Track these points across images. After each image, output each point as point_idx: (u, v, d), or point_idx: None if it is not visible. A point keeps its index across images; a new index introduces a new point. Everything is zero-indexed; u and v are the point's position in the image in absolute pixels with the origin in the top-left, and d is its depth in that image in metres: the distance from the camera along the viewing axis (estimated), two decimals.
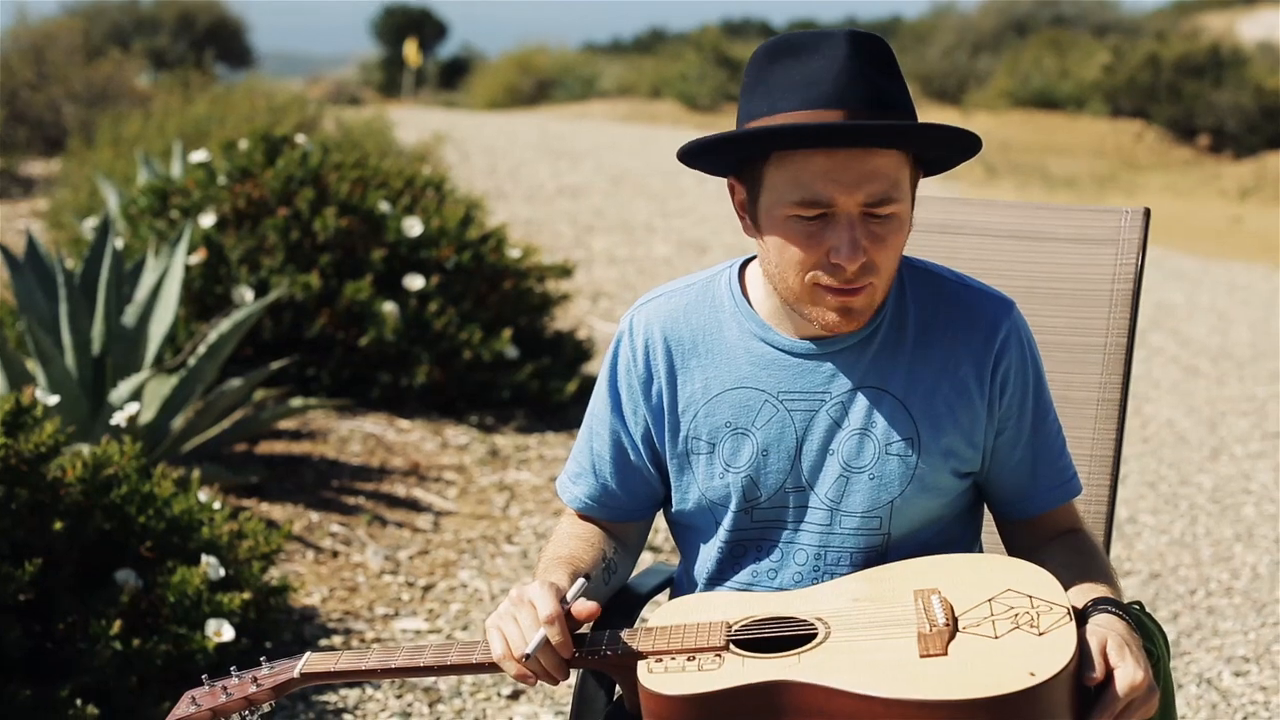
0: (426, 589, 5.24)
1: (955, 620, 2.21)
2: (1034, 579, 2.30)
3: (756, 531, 2.50)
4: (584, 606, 2.29)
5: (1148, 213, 3.11)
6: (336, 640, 4.76)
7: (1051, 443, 2.54)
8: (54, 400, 4.27)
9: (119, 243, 6.81)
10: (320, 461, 6.30)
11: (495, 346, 7.04)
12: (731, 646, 2.23)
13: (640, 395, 2.55)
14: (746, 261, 2.55)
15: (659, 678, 2.20)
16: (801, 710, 2.14)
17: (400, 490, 6.11)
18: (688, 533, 2.60)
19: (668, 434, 2.53)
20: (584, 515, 2.65)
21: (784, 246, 2.33)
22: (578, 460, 2.65)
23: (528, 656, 2.23)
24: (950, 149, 2.37)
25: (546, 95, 36.72)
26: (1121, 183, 20.64)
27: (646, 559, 5.00)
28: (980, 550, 2.67)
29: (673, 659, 2.23)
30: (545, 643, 2.25)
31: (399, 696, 4.42)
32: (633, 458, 2.58)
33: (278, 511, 5.64)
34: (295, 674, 2.40)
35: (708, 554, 2.55)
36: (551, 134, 23.91)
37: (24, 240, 5.66)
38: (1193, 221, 16.99)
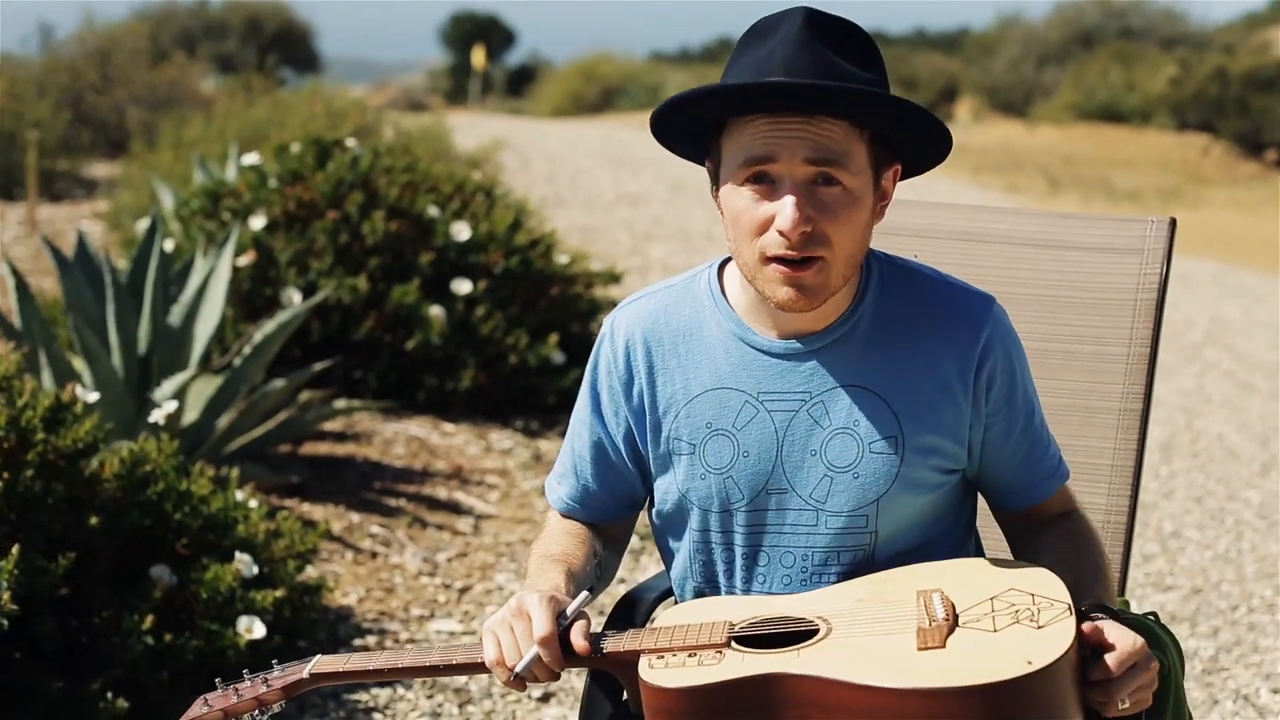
0: (463, 591, 5.27)
1: (956, 616, 2.22)
2: (1037, 578, 2.31)
3: (741, 534, 2.49)
4: (580, 642, 2.31)
5: (1173, 223, 3.10)
6: (371, 640, 4.79)
7: (1040, 434, 2.55)
8: (94, 397, 4.33)
9: (169, 244, 6.88)
10: (363, 463, 6.34)
11: (541, 351, 7.07)
12: (733, 644, 2.24)
13: (621, 396, 2.56)
14: (726, 260, 2.55)
15: (659, 672, 2.21)
16: (800, 702, 2.15)
17: (442, 493, 6.14)
18: (670, 534, 2.60)
19: (649, 434, 2.54)
20: (567, 515, 2.67)
21: (737, 217, 2.35)
22: (562, 461, 2.67)
23: (516, 675, 2.27)
24: (900, 128, 2.36)
25: (611, 103, 36.81)
26: (1186, 197, 20.49)
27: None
28: (976, 543, 2.68)
29: (674, 655, 2.24)
30: (536, 659, 2.27)
31: (429, 697, 4.44)
32: (613, 458, 2.59)
33: (319, 512, 5.68)
34: (304, 674, 2.43)
35: (692, 556, 2.56)
36: (613, 142, 23.96)
37: (75, 240, 5.72)
38: (1257, 236, 16.86)
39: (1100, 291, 3.07)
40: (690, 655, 2.23)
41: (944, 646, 2.16)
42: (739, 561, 2.50)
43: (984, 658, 2.12)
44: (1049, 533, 2.53)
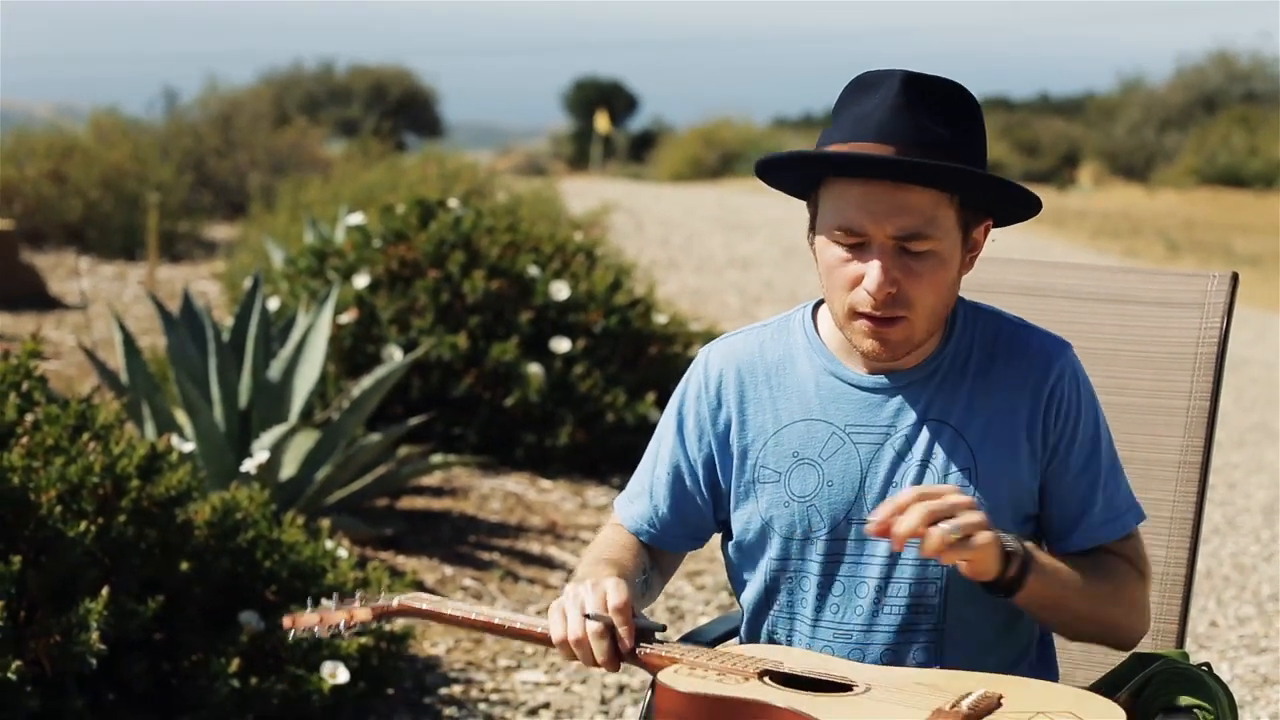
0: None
1: (986, 712, 2.21)
2: (1100, 709, 2.27)
3: (818, 563, 2.55)
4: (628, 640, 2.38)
5: (1235, 277, 3.12)
6: (456, 689, 4.86)
7: (1106, 477, 2.57)
8: (189, 447, 4.46)
9: (274, 302, 7.04)
10: (459, 518, 6.43)
11: (639, 410, 7.14)
12: (765, 678, 2.28)
13: (708, 421, 2.64)
14: (820, 302, 2.64)
15: (678, 678, 2.27)
16: None
17: (535, 548, 6.22)
18: (746, 566, 2.65)
19: (735, 463, 2.61)
20: (633, 534, 2.73)
21: (829, 270, 2.46)
22: (639, 480, 2.75)
23: (587, 617, 2.35)
24: (989, 195, 2.45)
25: (730, 169, 36.92)
26: None
27: (716, 605, 5.02)
28: None
29: (704, 671, 2.29)
30: (606, 624, 2.36)
31: None
32: (688, 484, 2.67)
33: (412, 564, 5.77)
34: (394, 603, 2.61)
35: (768, 586, 2.61)
36: (728, 206, 24.05)
37: (181, 298, 5.88)
38: None
39: (1161, 346, 3.09)
40: (719, 676, 2.28)
41: None
42: (814, 590, 2.56)
43: None
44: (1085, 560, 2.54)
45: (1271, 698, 5.24)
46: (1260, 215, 25.26)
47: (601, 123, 38.73)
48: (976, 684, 2.28)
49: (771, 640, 2.63)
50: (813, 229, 2.51)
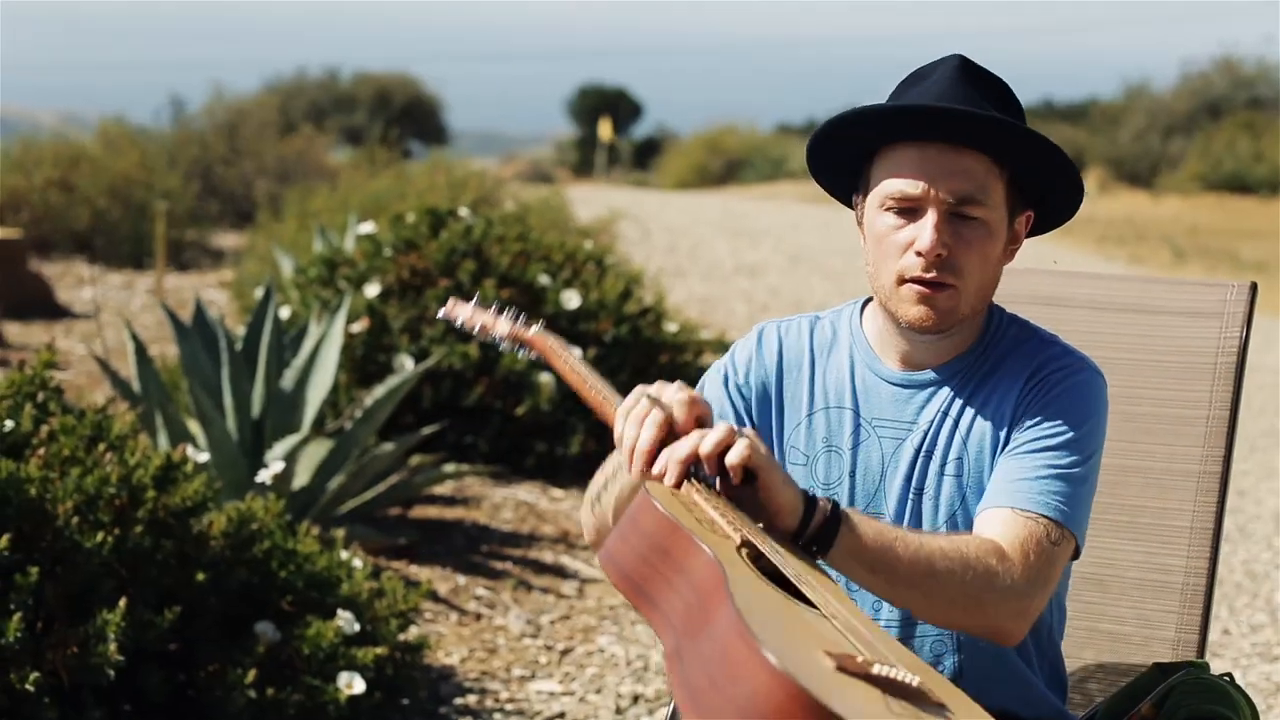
0: (565, 653, 5.33)
1: (895, 688, 1.90)
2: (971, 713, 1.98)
3: None
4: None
5: (1254, 287, 3.12)
6: (471, 699, 4.86)
7: (1050, 469, 2.45)
8: (204, 458, 4.46)
9: (286, 311, 7.05)
10: (471, 527, 6.43)
11: None
12: (744, 545, 2.12)
13: (751, 377, 2.66)
14: (869, 300, 2.66)
15: (662, 497, 2.14)
16: (689, 570, 2.03)
17: (548, 557, 6.22)
18: None
19: (773, 427, 2.64)
20: None
21: (880, 239, 2.47)
22: None
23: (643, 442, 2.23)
24: (1037, 169, 2.47)
25: (735, 175, 36.97)
26: None
27: None
28: (1060, 617, 2.69)
29: (696, 511, 2.15)
30: (683, 402, 2.26)
31: None
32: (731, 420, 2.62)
33: (425, 573, 5.77)
34: (530, 333, 2.69)
35: None
36: (734, 213, 24.07)
37: (193, 307, 5.89)
38: None
39: (1180, 355, 3.10)
40: (703, 521, 2.13)
41: (851, 670, 1.88)
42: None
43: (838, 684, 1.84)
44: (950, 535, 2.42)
45: None
46: (1265, 221, 25.26)
47: (604, 130, 38.76)
48: (919, 669, 1.97)
49: None
50: (862, 214, 2.54)
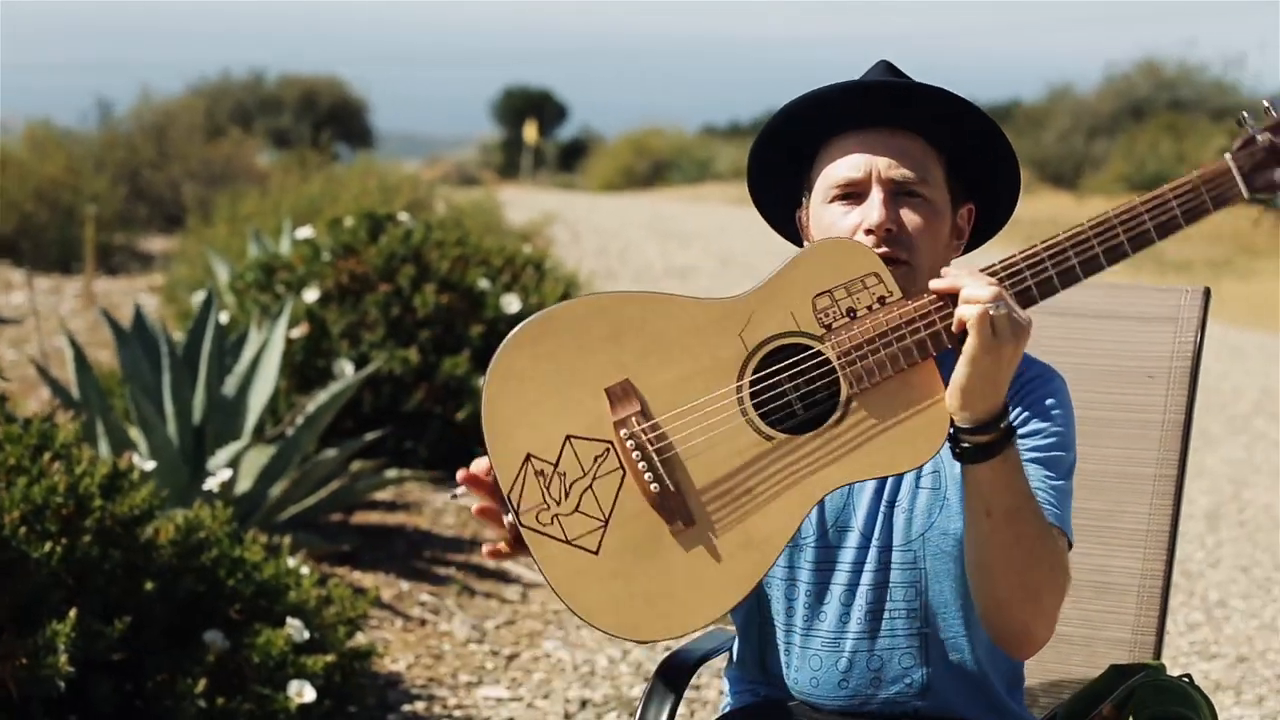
0: (511, 658, 5.32)
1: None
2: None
3: (806, 570, 2.56)
4: None
5: (1207, 292, 3.15)
6: (419, 706, 4.84)
7: (1049, 487, 2.48)
8: (150, 465, 4.42)
9: (224, 316, 7.00)
10: (413, 532, 6.41)
11: None
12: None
13: None
14: None
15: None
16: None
17: (490, 562, 6.17)
18: None
19: None
20: None
21: (828, 231, 2.48)
22: None
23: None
24: (977, 148, 2.53)
25: (662, 177, 36.99)
26: (1237, 267, 20.45)
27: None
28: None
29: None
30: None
31: None
32: None
33: (369, 580, 5.75)
34: None
35: (759, 594, 2.60)
36: (662, 215, 24.10)
37: (132, 313, 5.84)
38: None
39: (1135, 360, 3.12)
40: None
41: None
42: (802, 599, 2.56)
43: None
44: None
45: (1224, 703, 5.29)
46: None
47: (530, 132, 38.70)
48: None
49: (765, 653, 2.63)
50: (807, 213, 2.56)
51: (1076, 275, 2.30)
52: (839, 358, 2.23)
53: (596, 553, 2.18)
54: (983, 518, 2.32)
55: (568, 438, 2.20)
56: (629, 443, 2.21)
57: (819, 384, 2.25)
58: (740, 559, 2.17)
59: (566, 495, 2.20)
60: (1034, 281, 2.30)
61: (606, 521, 2.18)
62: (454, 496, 2.33)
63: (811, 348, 2.24)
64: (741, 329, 2.23)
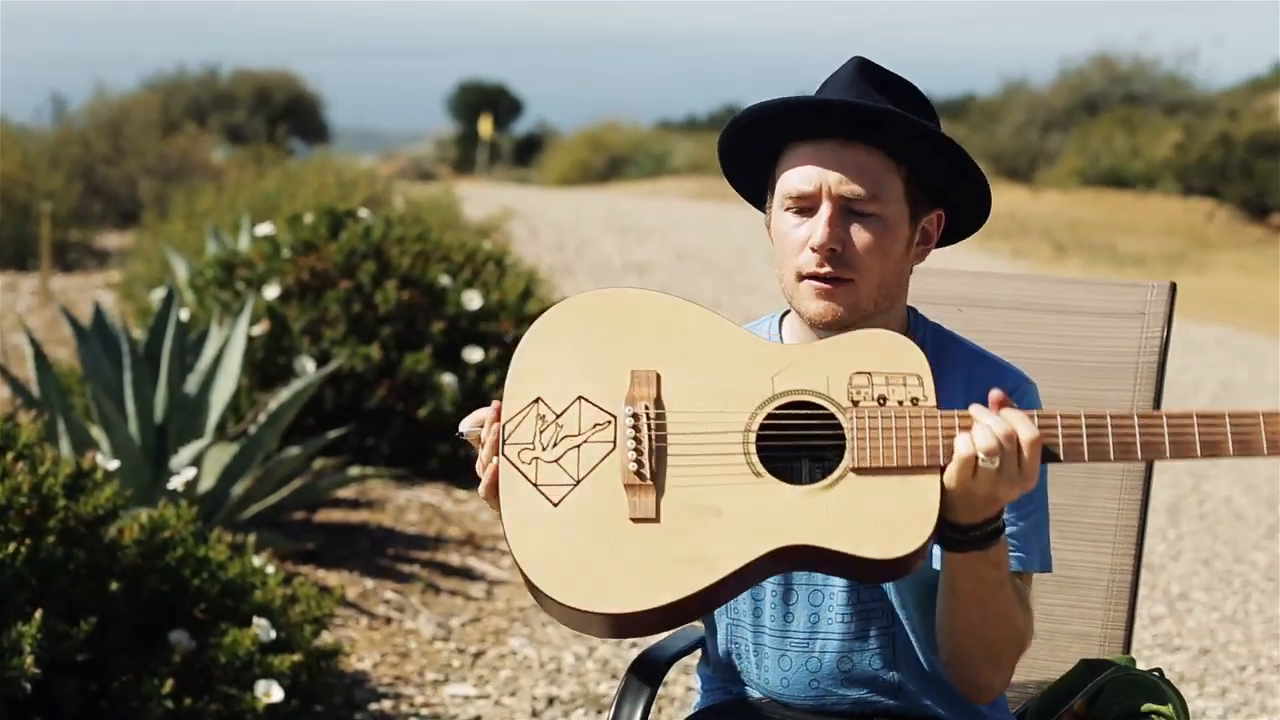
0: (477, 656, 5.32)
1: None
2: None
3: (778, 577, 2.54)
4: None
5: (1174, 287, 3.17)
6: (386, 704, 4.83)
7: (1029, 514, 2.49)
8: (114, 465, 4.40)
9: (184, 313, 6.96)
10: (377, 530, 6.40)
11: None
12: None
13: None
14: (788, 311, 2.64)
15: None
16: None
17: (455, 559, 6.20)
18: None
19: None
20: None
21: (781, 238, 2.49)
22: None
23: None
24: (934, 163, 2.48)
25: (618, 172, 36.97)
26: (1191, 261, 20.59)
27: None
28: None
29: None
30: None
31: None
32: None
33: (333, 578, 5.73)
34: None
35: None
36: (620, 210, 24.09)
37: (92, 310, 5.81)
38: (1262, 300, 16.93)
39: (1103, 355, 3.13)
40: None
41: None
42: (768, 599, 2.56)
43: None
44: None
45: (1188, 695, 5.32)
46: (1143, 216, 25.65)
47: (485, 127, 38.63)
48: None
49: (734, 653, 2.64)
50: (770, 211, 2.55)
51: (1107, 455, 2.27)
52: (854, 432, 2.25)
53: (556, 505, 2.24)
54: (950, 594, 2.37)
55: (580, 398, 2.29)
56: (629, 420, 2.26)
57: (823, 448, 2.28)
58: (684, 568, 2.20)
59: (555, 445, 2.27)
60: (1065, 443, 2.28)
61: (578, 482, 2.25)
62: (459, 435, 2.41)
63: (832, 414, 2.27)
64: (776, 373, 2.30)
